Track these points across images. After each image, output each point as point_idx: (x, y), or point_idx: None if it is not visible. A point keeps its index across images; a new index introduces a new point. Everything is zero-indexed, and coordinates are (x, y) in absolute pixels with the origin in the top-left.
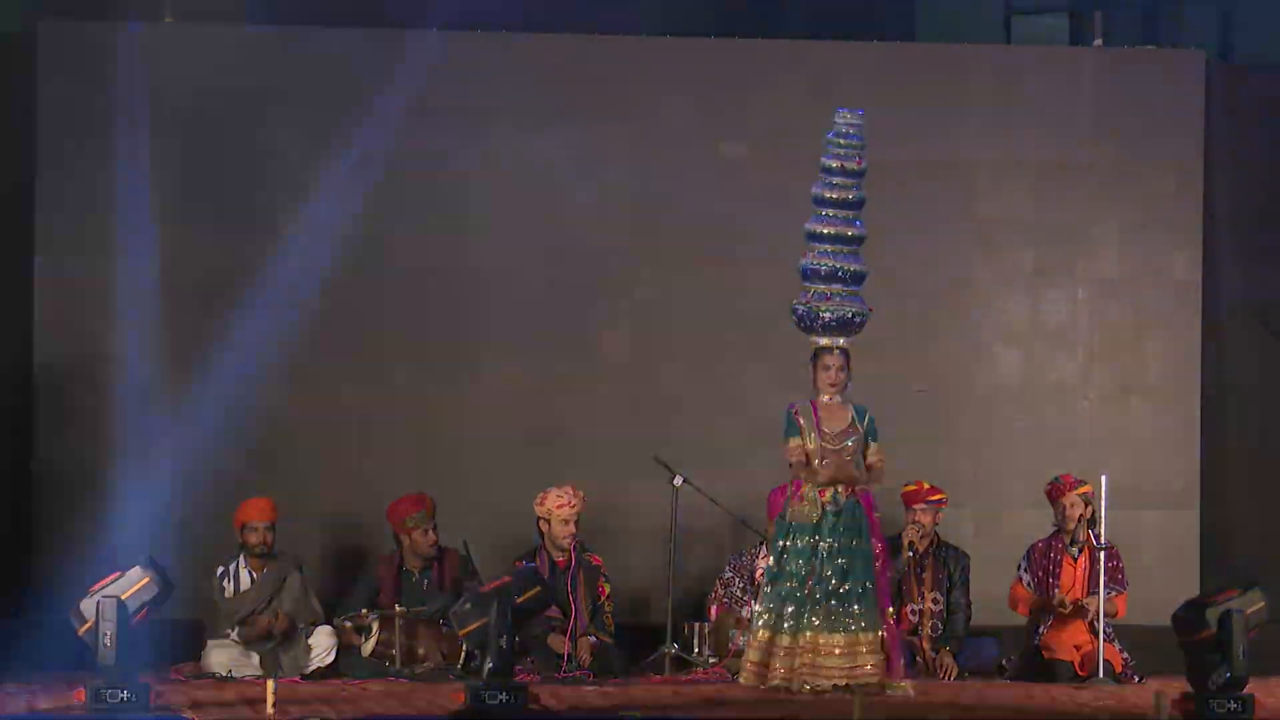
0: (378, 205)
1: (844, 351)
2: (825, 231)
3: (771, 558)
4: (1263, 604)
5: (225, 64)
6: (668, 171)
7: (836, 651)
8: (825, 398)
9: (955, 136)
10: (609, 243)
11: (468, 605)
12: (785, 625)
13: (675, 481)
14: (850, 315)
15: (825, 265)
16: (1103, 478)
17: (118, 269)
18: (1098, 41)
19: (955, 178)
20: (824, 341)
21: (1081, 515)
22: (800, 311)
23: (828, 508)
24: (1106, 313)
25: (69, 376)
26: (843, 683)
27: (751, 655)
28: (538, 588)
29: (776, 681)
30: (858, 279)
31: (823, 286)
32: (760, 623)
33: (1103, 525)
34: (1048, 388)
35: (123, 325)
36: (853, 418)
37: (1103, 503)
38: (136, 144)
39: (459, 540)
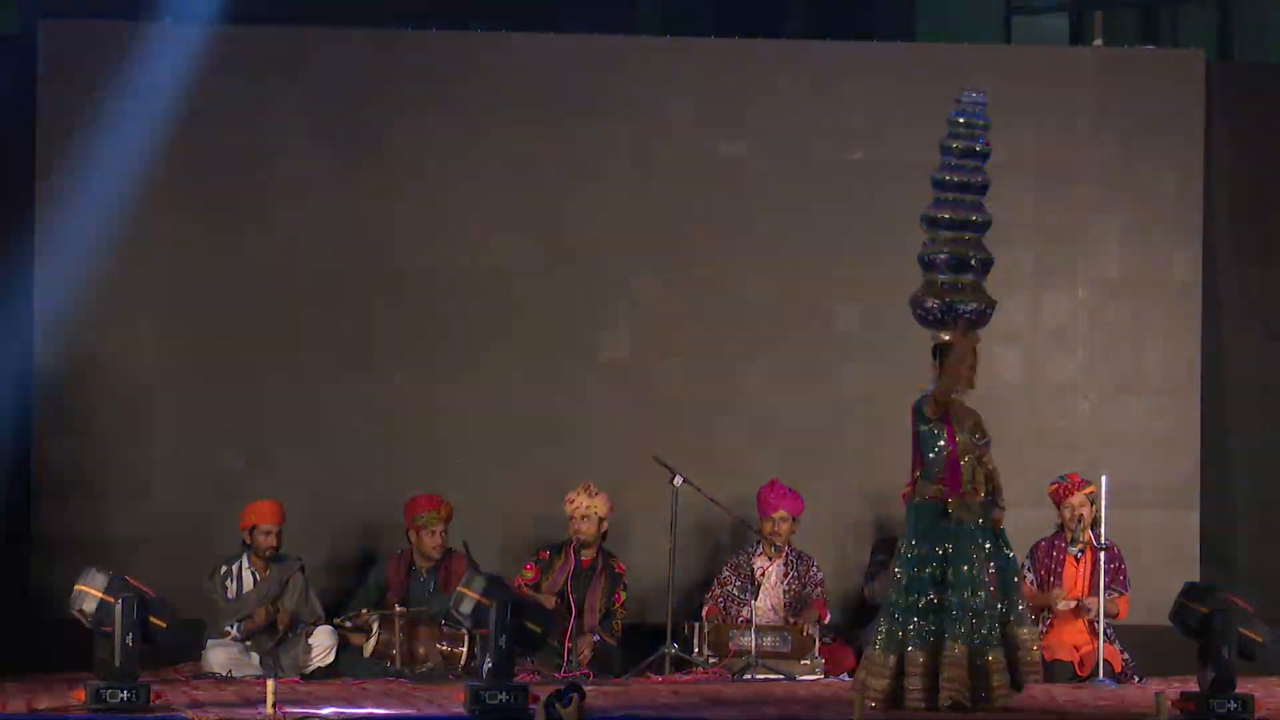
0: (377, 204)
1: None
2: (945, 216)
3: (905, 570)
4: (1260, 640)
5: (223, 64)
6: (668, 171)
7: (1032, 645)
8: (957, 397)
9: None
10: (609, 243)
11: (478, 583)
12: (944, 640)
13: (675, 481)
14: (984, 308)
15: (950, 253)
16: (1103, 478)
17: (118, 269)
18: (1097, 41)
19: None
20: (947, 337)
21: (1085, 515)
22: (930, 305)
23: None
24: (1106, 313)
25: (69, 376)
26: (1037, 678)
27: (876, 682)
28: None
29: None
30: (987, 267)
31: (953, 277)
32: (896, 642)
33: (1103, 525)
34: (1048, 388)
35: (123, 325)
36: (975, 416)
37: (1103, 503)
38: (136, 143)
39: (459, 541)
